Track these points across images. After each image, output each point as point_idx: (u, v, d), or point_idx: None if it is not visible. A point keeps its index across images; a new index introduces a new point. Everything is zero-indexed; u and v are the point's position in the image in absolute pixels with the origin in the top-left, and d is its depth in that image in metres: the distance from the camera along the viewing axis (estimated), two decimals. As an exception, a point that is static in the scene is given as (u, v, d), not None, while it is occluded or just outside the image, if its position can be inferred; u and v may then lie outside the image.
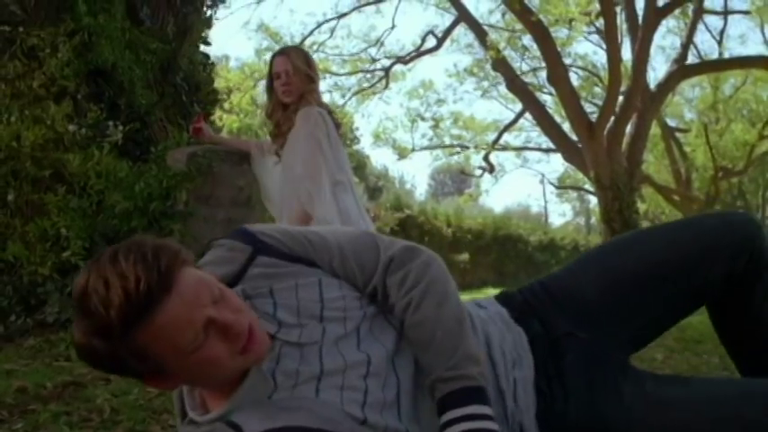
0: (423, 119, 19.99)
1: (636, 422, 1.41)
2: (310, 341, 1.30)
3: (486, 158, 20.14)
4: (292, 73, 3.57)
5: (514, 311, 1.60)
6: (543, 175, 26.36)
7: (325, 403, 1.23)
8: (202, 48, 6.70)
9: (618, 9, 15.88)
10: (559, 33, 17.15)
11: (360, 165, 29.20)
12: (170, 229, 5.04)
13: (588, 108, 18.26)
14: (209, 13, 6.85)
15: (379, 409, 1.26)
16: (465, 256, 18.86)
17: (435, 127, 20.16)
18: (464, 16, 17.41)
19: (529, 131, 21.22)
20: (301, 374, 1.26)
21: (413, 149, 20.58)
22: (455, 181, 32.60)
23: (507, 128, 19.85)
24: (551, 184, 25.98)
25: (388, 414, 1.27)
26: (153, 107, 5.76)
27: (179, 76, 6.17)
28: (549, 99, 19.32)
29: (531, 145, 21.83)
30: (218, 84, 20.09)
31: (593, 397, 1.45)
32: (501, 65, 16.59)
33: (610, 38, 14.40)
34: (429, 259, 1.44)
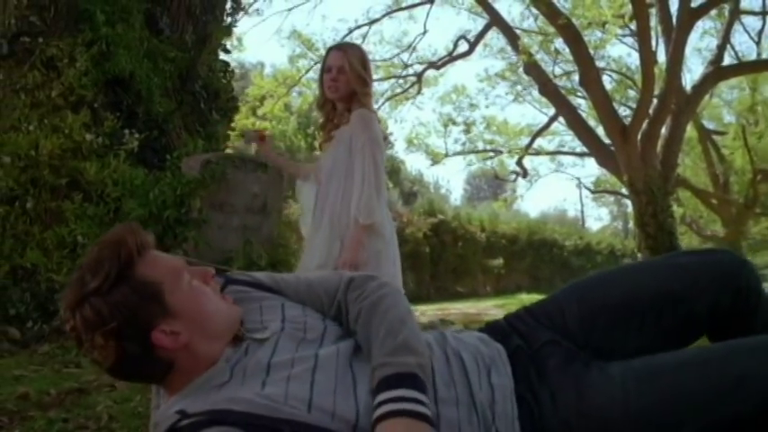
0: (455, 123, 19.89)
1: (632, 396, 1.41)
2: (271, 338, 1.42)
3: (519, 163, 19.98)
4: (348, 70, 3.28)
5: (495, 334, 1.64)
6: (579, 180, 26.07)
7: (266, 395, 1.28)
8: (222, 55, 6.76)
9: (652, 11, 15.67)
10: (592, 36, 16.96)
11: (394, 170, 29.18)
12: (184, 236, 5.09)
13: (623, 111, 18.03)
14: (228, 20, 6.90)
15: (328, 397, 1.31)
16: (499, 261, 18.77)
17: (467, 132, 20.04)
18: (496, 20, 17.28)
19: (563, 135, 20.98)
20: (255, 368, 1.35)
21: (446, 154, 20.46)
22: (491, 186, 32.42)
23: (540, 132, 19.64)
24: (586, 188, 25.70)
25: (341, 402, 1.32)
26: (171, 115, 5.82)
27: (198, 84, 6.23)
28: (582, 103, 19.11)
29: (565, 149, 21.63)
30: (252, 91, 20.38)
31: (582, 389, 1.45)
32: (533, 69, 16.44)
33: (643, 40, 14.17)
34: (384, 283, 1.56)
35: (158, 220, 5.08)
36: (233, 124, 6.84)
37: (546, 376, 1.51)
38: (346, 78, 3.28)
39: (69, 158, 5.18)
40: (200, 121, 6.18)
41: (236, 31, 18.34)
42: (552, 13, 14.08)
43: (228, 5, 6.96)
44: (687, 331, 1.63)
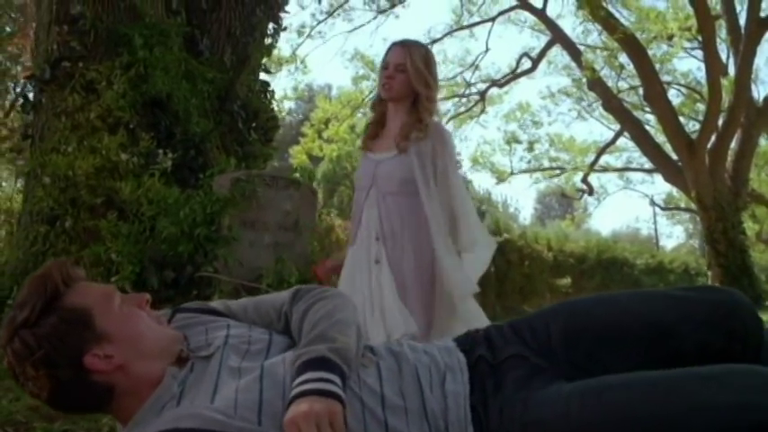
0: (518, 141, 19.72)
1: (574, 412, 1.38)
2: (216, 354, 1.44)
3: (584, 180, 19.65)
4: (409, 67, 2.88)
5: (464, 344, 1.64)
6: (651, 197, 25.42)
7: (216, 408, 1.30)
8: (263, 75, 6.86)
9: (721, 22, 15.28)
10: (658, 50, 16.62)
11: (461, 189, 29.07)
12: (215, 253, 5.14)
13: (692, 126, 17.56)
14: (269, 41, 7.01)
15: (277, 403, 1.33)
16: (567, 281, 18.41)
17: (530, 150, 19.85)
18: (558, 37, 17.13)
19: (631, 152, 20.57)
20: (203, 383, 1.38)
21: (511, 173, 20.31)
22: (562, 204, 31.89)
23: (605, 148, 19.29)
24: (656, 205, 25.01)
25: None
26: (208, 135, 5.92)
27: (236, 104, 6.33)
28: (651, 118, 18.69)
29: (633, 165, 21.16)
30: (317, 114, 20.64)
31: (529, 403, 1.43)
32: (597, 85, 16.20)
33: (708, 52, 13.83)
34: (327, 289, 1.61)
35: (190, 237, 5.15)
36: (273, 143, 6.91)
37: (501, 389, 1.49)
38: (405, 78, 2.90)
39: (105, 178, 5.31)
40: (239, 141, 6.27)
41: (299, 53, 18.80)
42: (611, 27, 13.86)
43: (270, 27, 7.07)
44: (674, 365, 1.56)
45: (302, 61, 18.49)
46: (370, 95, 19.99)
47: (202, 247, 5.15)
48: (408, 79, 2.90)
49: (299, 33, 17.99)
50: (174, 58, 5.85)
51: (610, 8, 15.59)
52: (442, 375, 1.50)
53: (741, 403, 1.29)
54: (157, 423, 1.31)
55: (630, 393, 1.37)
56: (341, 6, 17.84)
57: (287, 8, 7.21)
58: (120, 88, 5.50)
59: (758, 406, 1.28)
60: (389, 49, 3.01)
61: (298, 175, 6.11)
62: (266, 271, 5.26)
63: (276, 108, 6.93)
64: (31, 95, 5.88)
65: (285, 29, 7.11)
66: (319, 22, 17.80)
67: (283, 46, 18.20)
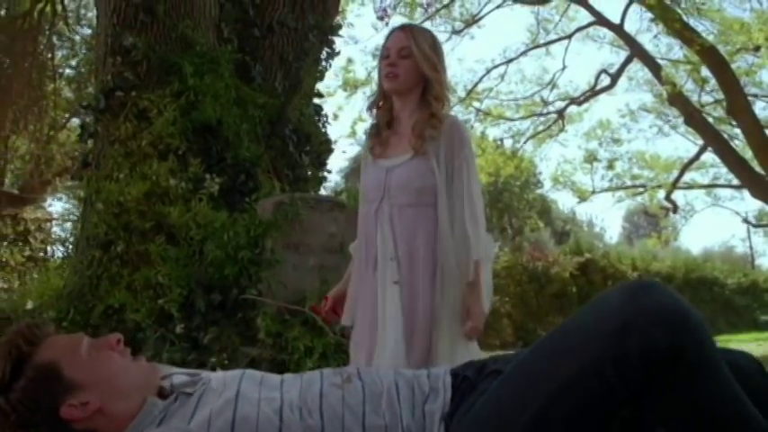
0: (597, 159, 19.29)
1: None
2: (198, 389, 1.49)
3: (668, 198, 19.03)
4: (415, 52, 2.50)
5: (458, 368, 1.64)
6: (745, 214, 24.36)
7: (190, 429, 1.38)
8: (316, 100, 6.95)
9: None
10: (743, 62, 16.02)
11: (544, 209, 28.60)
12: (259, 276, 5.20)
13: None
14: (322, 65, 7.09)
15: (252, 421, 1.39)
16: (652, 302, 17.87)
17: (610, 167, 19.38)
18: (637, 52, 16.72)
19: (719, 167, 19.76)
20: (184, 409, 1.44)
21: (593, 191, 19.87)
22: (650, 223, 30.99)
23: (689, 165, 18.60)
24: (747, 222, 23.95)
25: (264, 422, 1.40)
26: (258, 159, 6.01)
27: (288, 129, 6.41)
28: (739, 132, 17.97)
29: (720, 181, 20.33)
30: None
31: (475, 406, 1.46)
32: (678, 99, 15.70)
33: (796, 61, 13.25)
34: None
35: (235, 261, 5.23)
36: (327, 167, 6.97)
37: (461, 405, 1.50)
38: (410, 64, 2.50)
39: (155, 203, 5.46)
40: (290, 165, 6.35)
41: (374, 76, 18.96)
42: (688, 39, 13.44)
43: (324, 52, 7.15)
44: None
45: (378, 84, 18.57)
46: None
47: (247, 269, 5.22)
48: (415, 64, 2.50)
49: (374, 56, 18.14)
50: (224, 85, 5.98)
51: (691, 21, 15.18)
52: (424, 396, 1.50)
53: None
54: None
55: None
56: (415, 28, 17.86)
57: (341, 32, 7.28)
58: (171, 116, 5.65)
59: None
60: (389, 36, 2.63)
61: (344, 197, 6.14)
62: (310, 293, 5.27)
63: (326, 131, 6.97)
64: (88, 125, 6.11)
65: (339, 53, 7.16)
66: (394, 45, 17.84)
67: (358, 69, 18.39)
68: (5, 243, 11.10)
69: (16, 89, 13.17)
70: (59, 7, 12.79)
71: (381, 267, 2.56)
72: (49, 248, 11.79)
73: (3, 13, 12.86)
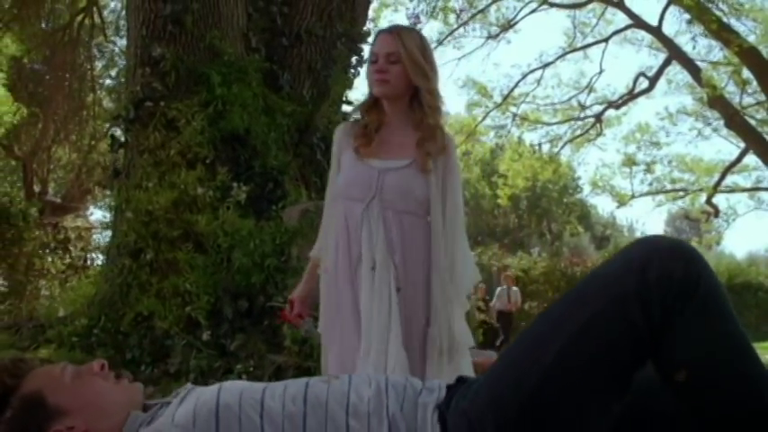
0: (635, 163, 19.02)
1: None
2: (181, 394, 1.53)
3: (708, 202, 18.69)
4: (403, 56, 2.39)
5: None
6: (793, 218, 23.73)
7: (176, 423, 1.40)
8: (345, 107, 6.96)
9: None
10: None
11: (583, 214, 28.32)
12: (285, 284, 5.21)
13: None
14: (351, 72, 7.11)
15: (234, 409, 1.41)
16: (695, 307, 17.56)
17: (648, 171, 19.10)
18: (676, 54, 16.51)
19: (762, 170, 19.35)
20: (167, 412, 1.47)
21: (632, 196, 19.59)
22: (693, 228, 30.47)
23: (730, 168, 18.24)
24: (793, 226, 23.39)
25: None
26: (287, 167, 6.05)
27: (316, 136, 6.44)
28: (787, 133, 17.58)
29: (763, 185, 19.89)
30: (429, 140, 20.72)
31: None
32: (718, 102, 15.46)
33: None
34: None
35: (261, 268, 5.26)
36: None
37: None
38: (400, 70, 2.39)
39: (183, 212, 5.52)
40: (317, 172, 6.37)
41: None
42: (726, 40, 13.22)
43: (354, 59, 7.17)
44: None
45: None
46: (483, 121, 19.90)
47: (273, 277, 5.25)
48: (404, 71, 2.39)
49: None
50: (252, 94, 6.03)
51: (732, 21, 14.93)
52: (417, 393, 1.48)
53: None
54: None
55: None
56: (450, 34, 17.85)
57: (369, 39, 7.28)
58: (199, 125, 5.72)
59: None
60: (376, 38, 2.51)
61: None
62: (336, 301, 5.28)
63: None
64: (119, 135, 6.21)
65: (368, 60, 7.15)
66: (429, 51, 17.82)
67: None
68: (47, 251, 11.27)
69: (57, 100, 13.47)
70: (98, 19, 13.03)
71: (367, 271, 2.38)
72: (88, 256, 11.94)
73: (44, 26, 13.13)
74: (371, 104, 2.52)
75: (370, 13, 15.75)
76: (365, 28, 7.58)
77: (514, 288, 13.26)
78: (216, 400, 1.41)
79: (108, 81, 15.11)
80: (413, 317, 2.39)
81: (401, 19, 23.09)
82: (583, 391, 1.28)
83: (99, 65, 14.73)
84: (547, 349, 1.29)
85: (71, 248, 11.73)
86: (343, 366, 2.37)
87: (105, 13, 13.89)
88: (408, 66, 2.38)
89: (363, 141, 2.48)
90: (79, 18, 12.55)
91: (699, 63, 16.42)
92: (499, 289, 13.23)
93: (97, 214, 17.90)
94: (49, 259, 11.24)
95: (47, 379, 1.50)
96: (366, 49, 7.22)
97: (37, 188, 16.31)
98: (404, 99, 2.47)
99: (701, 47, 16.90)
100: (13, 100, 13.67)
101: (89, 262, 11.71)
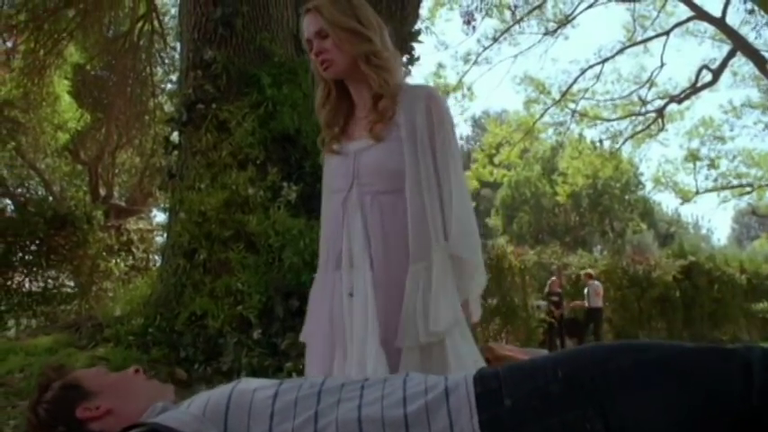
0: (699, 159, 18.56)
1: None
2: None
3: (773, 197, 18.18)
4: (326, 27, 2.14)
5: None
6: None
7: (190, 412, 1.53)
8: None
9: None
10: None
11: (647, 211, 27.74)
12: (333, 282, 5.23)
13: None
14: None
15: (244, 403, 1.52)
16: (764, 305, 17.12)
17: (713, 166, 18.61)
18: (740, 46, 16.05)
19: (837, 163, 18.72)
20: (182, 403, 1.61)
21: (696, 192, 19.15)
22: (761, 223, 29.55)
23: (798, 162, 17.72)
24: None
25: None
26: (337, 166, 6.06)
27: (366, 136, 6.43)
28: None
29: (836, 178, 19.24)
30: (486, 139, 20.62)
31: None
32: (786, 93, 14.98)
33: None
34: None
35: (312, 267, 5.28)
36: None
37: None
38: (335, 43, 2.14)
39: (235, 212, 5.59)
40: (367, 171, 6.37)
41: (466, 80, 18.93)
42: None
43: (404, 58, 7.15)
44: None
45: (469, 88, 18.54)
46: (541, 119, 19.69)
47: (322, 276, 5.26)
48: (339, 42, 2.14)
49: (466, 61, 18.08)
50: (302, 95, 6.07)
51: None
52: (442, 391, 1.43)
53: None
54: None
55: None
56: (507, 31, 17.71)
57: (421, 38, 7.27)
58: (250, 126, 5.79)
59: None
60: (301, 25, 2.26)
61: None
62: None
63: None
64: (174, 137, 6.33)
65: (418, 59, 7.15)
66: (485, 48, 17.77)
67: (449, 74, 18.36)
68: (111, 253, 11.55)
69: (119, 106, 13.79)
70: (158, 25, 13.30)
71: (347, 265, 2.11)
72: (150, 258, 12.20)
73: (106, 33, 13.46)
74: (328, 93, 2.26)
75: (426, 13, 15.79)
76: (416, 27, 7.56)
77: (596, 282, 13.43)
78: (230, 390, 1.53)
79: (168, 86, 15.42)
80: (393, 310, 2.04)
81: (455, 17, 23.00)
82: None
83: (159, 70, 15.02)
84: None
85: (134, 250, 12.00)
86: (321, 370, 2.12)
87: (165, 19, 14.19)
88: (339, 36, 2.14)
89: (330, 132, 2.24)
90: (139, 25, 12.84)
91: (765, 53, 15.94)
92: (586, 288, 13.43)
93: (159, 216, 18.32)
94: (113, 261, 11.50)
95: (85, 372, 1.76)
96: (417, 48, 7.22)
97: (102, 192, 16.77)
98: (358, 70, 2.18)
99: (767, 37, 16.43)
100: (77, 106, 14.07)
101: (151, 263, 11.96)
